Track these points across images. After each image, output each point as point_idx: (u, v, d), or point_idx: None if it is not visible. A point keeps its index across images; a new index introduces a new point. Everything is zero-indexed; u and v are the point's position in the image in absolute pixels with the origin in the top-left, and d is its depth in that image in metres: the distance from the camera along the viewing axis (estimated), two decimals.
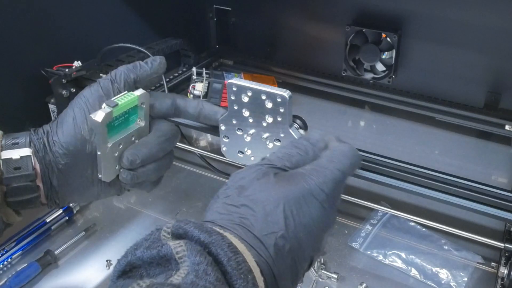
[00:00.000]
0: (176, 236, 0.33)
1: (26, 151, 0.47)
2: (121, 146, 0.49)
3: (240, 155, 0.55)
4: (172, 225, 0.33)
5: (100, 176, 0.49)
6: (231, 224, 0.36)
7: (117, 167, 0.50)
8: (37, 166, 0.47)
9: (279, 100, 0.48)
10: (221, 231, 0.34)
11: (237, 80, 0.50)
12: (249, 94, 0.49)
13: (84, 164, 0.49)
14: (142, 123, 0.51)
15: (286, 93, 0.48)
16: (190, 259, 0.31)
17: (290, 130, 0.50)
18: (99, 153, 0.48)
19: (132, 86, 0.51)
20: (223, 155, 0.57)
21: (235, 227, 0.36)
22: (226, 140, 0.55)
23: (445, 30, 0.84)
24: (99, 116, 0.45)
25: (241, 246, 0.33)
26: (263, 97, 0.49)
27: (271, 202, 0.37)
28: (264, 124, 0.51)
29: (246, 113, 0.51)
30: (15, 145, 0.47)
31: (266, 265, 0.35)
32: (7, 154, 0.46)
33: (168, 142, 0.52)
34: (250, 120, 0.51)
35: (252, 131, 0.52)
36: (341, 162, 0.41)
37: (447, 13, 0.83)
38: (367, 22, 0.88)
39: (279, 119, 0.50)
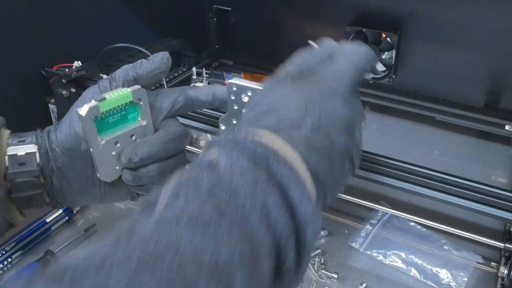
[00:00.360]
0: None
1: (32, 148, 0.48)
2: (118, 145, 0.48)
3: None
4: (204, 143, 0.36)
5: (98, 175, 0.49)
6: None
7: (117, 167, 0.50)
8: (41, 164, 0.48)
9: None
10: (246, 130, 0.36)
11: (237, 80, 0.50)
12: (249, 94, 0.49)
13: (82, 163, 0.49)
14: (144, 122, 0.50)
15: None
16: (224, 154, 0.32)
17: None
18: (91, 149, 0.47)
19: (132, 84, 0.50)
20: None
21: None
22: None
23: (445, 30, 0.84)
24: (83, 110, 0.45)
25: (265, 133, 0.35)
26: None
27: (293, 103, 0.38)
28: None
29: None
30: (22, 142, 0.48)
31: (301, 159, 0.35)
32: (13, 150, 0.47)
33: (174, 142, 0.50)
34: None
35: None
36: (356, 59, 0.42)
37: (447, 13, 0.83)
38: (367, 22, 0.88)
39: None
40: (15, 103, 0.72)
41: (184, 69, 0.96)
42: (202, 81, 0.82)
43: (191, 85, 0.83)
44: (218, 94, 0.52)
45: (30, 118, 0.74)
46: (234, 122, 0.52)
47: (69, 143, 0.48)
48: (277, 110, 0.38)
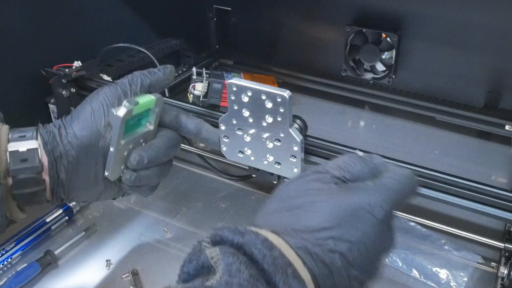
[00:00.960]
0: (214, 244, 0.33)
1: (33, 144, 0.47)
2: (130, 147, 0.50)
3: (240, 155, 0.55)
4: (210, 234, 0.34)
5: (106, 173, 0.50)
6: (278, 226, 0.35)
7: (122, 167, 0.51)
8: (44, 159, 0.48)
9: (279, 100, 0.48)
10: (256, 230, 0.34)
11: (237, 80, 0.50)
12: (249, 94, 0.49)
13: (94, 159, 0.50)
14: (151, 127, 0.51)
15: (286, 93, 0.48)
16: (224, 262, 0.31)
17: (290, 130, 0.50)
18: (111, 149, 0.48)
19: (146, 90, 0.53)
20: (223, 155, 0.57)
21: (283, 228, 0.35)
22: (226, 140, 0.55)
23: (445, 30, 0.84)
24: (121, 111, 0.46)
25: (278, 241, 0.33)
26: (263, 97, 0.49)
27: (327, 209, 0.36)
28: (264, 124, 0.51)
29: (246, 113, 0.51)
30: (22, 138, 0.48)
31: (309, 268, 0.33)
32: (14, 146, 0.47)
33: (172, 149, 0.54)
34: (250, 120, 0.51)
35: (252, 131, 0.52)
36: (403, 184, 0.39)
37: (447, 13, 0.83)
38: (367, 22, 0.88)
39: (279, 119, 0.50)
40: (15, 103, 0.72)
41: (184, 69, 0.96)
42: (202, 81, 0.82)
43: (191, 85, 0.83)
44: (203, 133, 0.55)
45: (30, 118, 0.74)
46: (234, 122, 0.52)
47: (88, 138, 0.49)
48: (309, 211, 0.36)
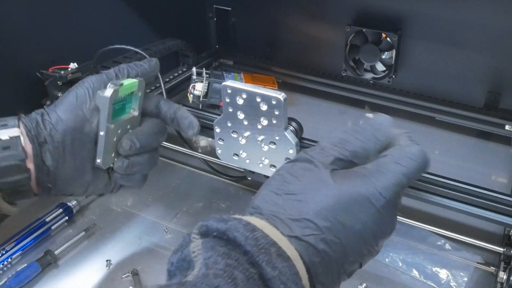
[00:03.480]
0: (202, 234, 0.33)
1: (16, 131, 0.47)
2: (119, 132, 0.50)
3: (235, 157, 0.55)
4: (198, 226, 0.34)
5: (98, 160, 0.50)
6: (270, 211, 0.35)
7: (113, 155, 0.51)
8: (28, 147, 0.47)
9: (274, 102, 0.48)
10: (240, 216, 0.33)
11: (231, 83, 0.49)
12: (244, 96, 0.49)
13: (80, 145, 0.49)
14: (136, 113, 0.52)
15: (281, 95, 0.47)
16: (202, 256, 0.31)
17: (285, 133, 0.49)
18: (101, 133, 0.48)
19: None
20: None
21: (275, 213, 0.35)
22: (221, 142, 0.54)
23: (445, 30, 0.84)
24: (107, 92, 0.47)
25: (261, 223, 0.32)
26: (258, 100, 0.48)
27: (321, 201, 0.35)
28: (259, 126, 0.50)
29: (241, 116, 0.50)
30: (4, 126, 0.47)
31: (297, 249, 0.33)
32: None
33: (160, 135, 0.54)
34: (245, 123, 0.51)
35: (247, 133, 0.51)
36: (407, 166, 0.36)
37: (448, 13, 0.83)
38: (367, 22, 0.88)
39: (274, 121, 0.49)
40: (11, 104, 0.72)
41: (184, 69, 0.96)
42: (202, 81, 0.82)
43: (191, 85, 0.83)
44: (177, 116, 0.54)
45: None
46: (229, 124, 0.52)
47: (73, 121, 0.49)
48: (302, 203, 0.35)
